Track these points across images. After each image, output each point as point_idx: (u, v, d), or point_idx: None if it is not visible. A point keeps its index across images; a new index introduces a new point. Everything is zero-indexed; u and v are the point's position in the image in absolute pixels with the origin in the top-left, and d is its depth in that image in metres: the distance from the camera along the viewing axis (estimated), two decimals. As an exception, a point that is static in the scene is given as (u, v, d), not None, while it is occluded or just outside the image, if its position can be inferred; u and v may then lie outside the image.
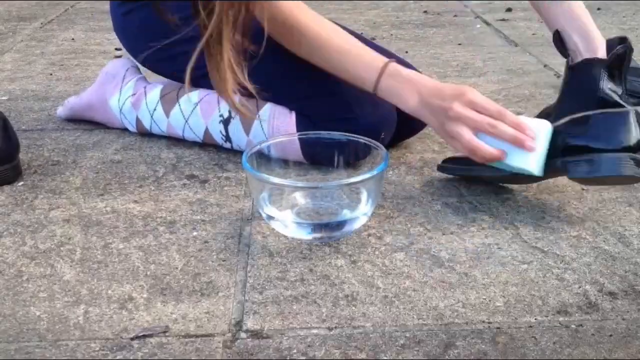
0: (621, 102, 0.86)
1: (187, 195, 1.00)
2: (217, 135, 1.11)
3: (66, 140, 1.21)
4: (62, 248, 0.86)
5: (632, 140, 0.85)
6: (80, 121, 1.29)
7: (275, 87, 1.03)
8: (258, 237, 0.88)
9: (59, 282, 0.79)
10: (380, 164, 0.84)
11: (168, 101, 1.14)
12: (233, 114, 1.07)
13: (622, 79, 0.87)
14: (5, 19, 2.28)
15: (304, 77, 1.03)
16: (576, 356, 0.66)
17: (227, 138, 1.10)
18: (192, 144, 1.17)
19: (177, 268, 0.81)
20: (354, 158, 0.96)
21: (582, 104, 0.88)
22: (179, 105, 1.12)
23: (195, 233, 0.89)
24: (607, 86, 0.86)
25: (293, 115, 1.04)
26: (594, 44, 0.93)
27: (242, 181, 1.04)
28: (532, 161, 0.87)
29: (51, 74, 1.62)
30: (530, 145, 0.86)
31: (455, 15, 2.30)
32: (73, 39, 1.99)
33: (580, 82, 0.89)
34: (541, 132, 0.87)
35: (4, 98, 1.45)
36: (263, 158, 0.91)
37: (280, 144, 0.96)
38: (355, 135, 0.93)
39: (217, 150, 1.15)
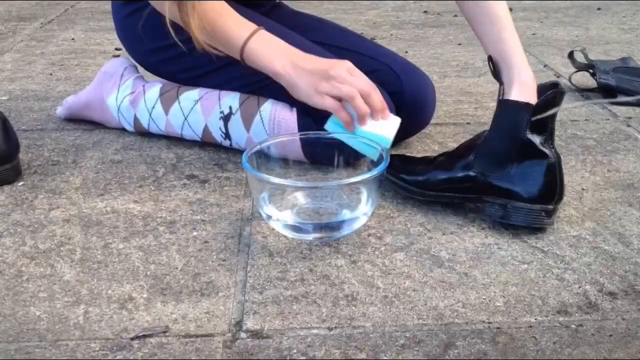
0: (544, 149, 0.86)
1: (187, 195, 1.00)
2: (217, 133, 1.11)
3: (66, 140, 1.21)
4: (62, 248, 0.86)
5: (549, 191, 0.86)
6: (80, 121, 1.29)
7: (275, 83, 1.03)
8: (258, 237, 0.88)
9: (59, 282, 0.79)
10: (380, 164, 0.84)
11: (167, 99, 1.14)
12: (234, 110, 1.08)
13: (547, 126, 0.87)
14: (5, 19, 2.28)
15: None
16: (576, 356, 0.66)
17: (227, 135, 1.10)
18: (192, 144, 1.17)
19: (177, 268, 0.81)
20: (354, 158, 0.96)
21: (506, 145, 0.88)
22: (179, 102, 1.12)
23: (195, 233, 0.89)
24: (530, 134, 0.86)
25: (294, 111, 1.04)
26: (513, 74, 0.91)
27: (242, 181, 1.04)
28: (386, 131, 0.94)
29: (51, 74, 1.62)
30: (386, 116, 0.94)
31: (455, 15, 2.30)
32: (73, 39, 1.99)
33: (505, 123, 0.89)
34: (394, 122, 0.95)
35: (4, 98, 1.45)
36: (263, 158, 0.91)
37: (281, 143, 0.96)
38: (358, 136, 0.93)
39: (217, 150, 1.15)
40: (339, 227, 0.85)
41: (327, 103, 0.93)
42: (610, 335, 0.69)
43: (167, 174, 1.07)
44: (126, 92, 1.19)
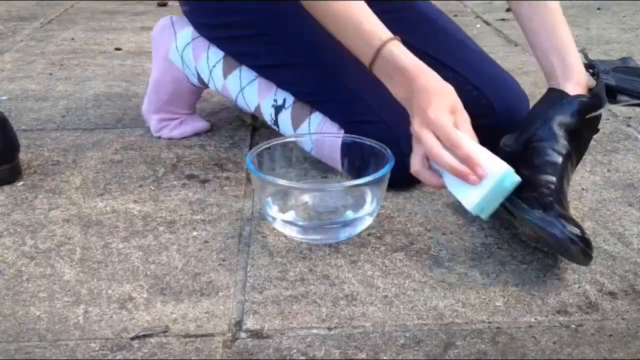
0: (557, 149, 0.84)
1: (187, 195, 1.00)
2: (267, 116, 1.08)
3: (66, 140, 1.21)
4: (62, 248, 0.86)
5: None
6: (80, 121, 1.29)
7: (331, 100, 1.00)
8: (258, 237, 0.88)
9: (59, 282, 0.79)
10: (385, 166, 0.84)
11: (230, 63, 1.10)
12: (286, 105, 1.05)
13: (575, 136, 0.85)
14: (5, 19, 2.28)
15: (357, 96, 0.99)
16: (576, 356, 0.66)
17: (276, 123, 1.08)
18: (192, 144, 1.17)
19: (177, 268, 0.81)
20: (359, 160, 0.95)
21: (532, 128, 0.87)
22: (240, 71, 1.09)
23: (195, 233, 0.89)
24: (561, 136, 0.85)
25: (342, 131, 0.99)
26: (570, 71, 0.90)
27: (242, 181, 1.04)
28: (469, 199, 0.78)
29: (51, 74, 1.62)
30: (472, 179, 0.77)
31: (455, 15, 2.29)
32: (73, 39, 1.99)
33: (549, 104, 0.88)
34: (492, 175, 0.77)
35: (4, 98, 1.45)
36: (266, 158, 0.91)
37: (300, 143, 0.95)
38: (361, 137, 0.92)
39: (217, 150, 1.15)
40: (343, 229, 0.85)
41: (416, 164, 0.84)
42: (610, 335, 0.69)
43: (167, 174, 1.07)
44: (186, 39, 1.14)
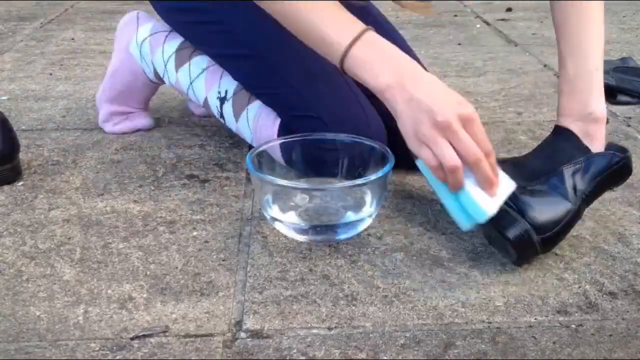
0: (571, 198, 0.81)
1: (187, 195, 1.00)
2: (214, 109, 1.10)
3: (66, 140, 1.21)
4: (62, 248, 0.86)
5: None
6: (80, 121, 1.29)
7: (270, 94, 1.02)
8: (258, 237, 0.88)
9: (58, 282, 0.79)
10: (385, 166, 0.84)
11: (181, 57, 1.11)
12: (228, 96, 1.06)
13: (591, 179, 0.82)
14: (5, 19, 2.28)
15: (297, 89, 0.99)
16: (576, 356, 0.66)
17: (222, 115, 1.10)
18: (192, 144, 1.17)
19: (177, 268, 0.81)
20: (358, 161, 0.95)
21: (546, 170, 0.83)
22: (189, 65, 1.10)
23: (195, 233, 0.89)
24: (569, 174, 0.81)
25: (277, 123, 1.01)
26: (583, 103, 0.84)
27: (242, 181, 1.04)
28: (489, 207, 0.76)
29: (51, 74, 1.62)
30: (494, 192, 0.76)
31: (455, 15, 2.30)
32: (73, 39, 1.99)
33: (556, 149, 0.84)
34: (505, 190, 0.78)
35: (4, 98, 1.45)
36: (266, 158, 0.91)
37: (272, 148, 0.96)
38: (361, 137, 0.92)
39: (217, 150, 1.15)
40: (343, 229, 0.85)
41: (424, 155, 0.75)
42: (610, 335, 0.69)
43: (167, 174, 1.07)
44: (145, 34, 1.16)
